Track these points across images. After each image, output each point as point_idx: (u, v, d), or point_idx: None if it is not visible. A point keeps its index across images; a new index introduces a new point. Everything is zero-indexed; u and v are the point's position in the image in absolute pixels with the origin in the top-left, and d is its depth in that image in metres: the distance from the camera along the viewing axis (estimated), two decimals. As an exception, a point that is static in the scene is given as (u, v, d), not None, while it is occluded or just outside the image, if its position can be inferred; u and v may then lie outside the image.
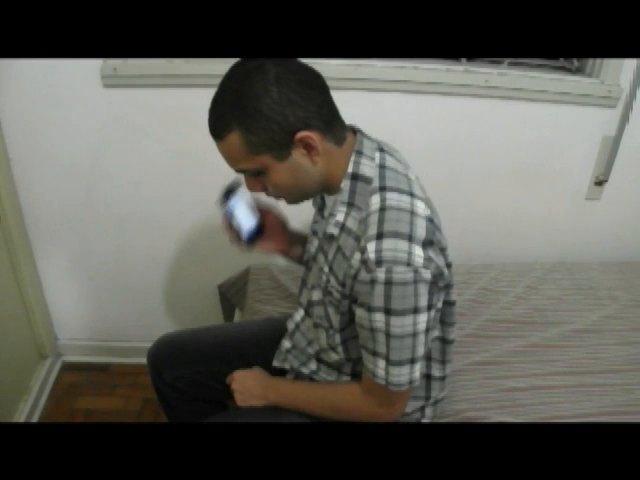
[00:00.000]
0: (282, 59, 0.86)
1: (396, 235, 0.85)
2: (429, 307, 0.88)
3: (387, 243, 0.85)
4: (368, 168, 0.93)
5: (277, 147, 0.86)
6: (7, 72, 1.42)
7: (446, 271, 0.92)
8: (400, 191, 0.90)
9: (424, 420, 1.13)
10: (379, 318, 0.87)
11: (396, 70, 1.50)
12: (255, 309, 1.51)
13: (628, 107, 1.58)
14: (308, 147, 0.88)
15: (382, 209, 0.88)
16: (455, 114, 1.58)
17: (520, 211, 1.76)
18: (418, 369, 0.93)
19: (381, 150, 0.96)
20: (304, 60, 0.90)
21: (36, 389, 1.76)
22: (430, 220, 0.90)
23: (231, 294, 1.69)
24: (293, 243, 1.21)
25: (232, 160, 0.90)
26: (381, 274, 0.84)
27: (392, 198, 0.89)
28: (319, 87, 0.88)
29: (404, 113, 1.56)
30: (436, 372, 1.08)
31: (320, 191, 0.98)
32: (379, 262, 0.85)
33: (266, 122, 0.84)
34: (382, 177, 0.92)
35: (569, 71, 1.62)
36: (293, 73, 0.85)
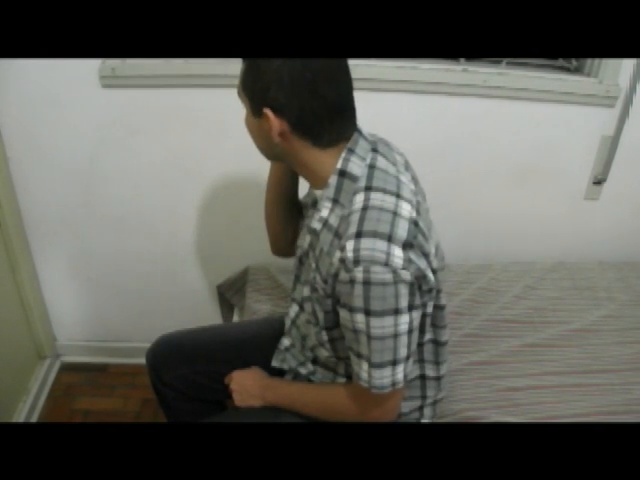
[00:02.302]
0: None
1: (375, 235, 0.85)
2: (410, 308, 0.88)
3: (365, 242, 0.84)
4: (357, 167, 0.92)
5: (251, 102, 0.91)
6: (6, 72, 1.42)
7: (430, 275, 0.90)
8: (385, 191, 0.89)
9: (423, 420, 1.13)
10: (360, 319, 0.87)
11: (395, 70, 1.49)
12: (254, 309, 1.51)
13: (627, 106, 1.58)
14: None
15: (364, 208, 0.88)
16: (454, 114, 1.58)
17: (519, 211, 1.76)
18: (401, 371, 0.92)
19: (374, 151, 0.95)
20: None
21: (35, 390, 1.76)
22: (414, 223, 0.89)
23: (230, 294, 1.69)
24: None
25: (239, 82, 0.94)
26: (359, 274, 0.84)
27: (376, 198, 0.89)
28: (322, 97, 0.87)
29: (403, 113, 1.56)
30: (430, 372, 1.08)
31: (281, 160, 0.99)
32: (357, 261, 0.84)
33: (255, 77, 0.88)
34: (370, 177, 0.92)
35: (568, 71, 1.62)
36: (307, 65, 0.86)
